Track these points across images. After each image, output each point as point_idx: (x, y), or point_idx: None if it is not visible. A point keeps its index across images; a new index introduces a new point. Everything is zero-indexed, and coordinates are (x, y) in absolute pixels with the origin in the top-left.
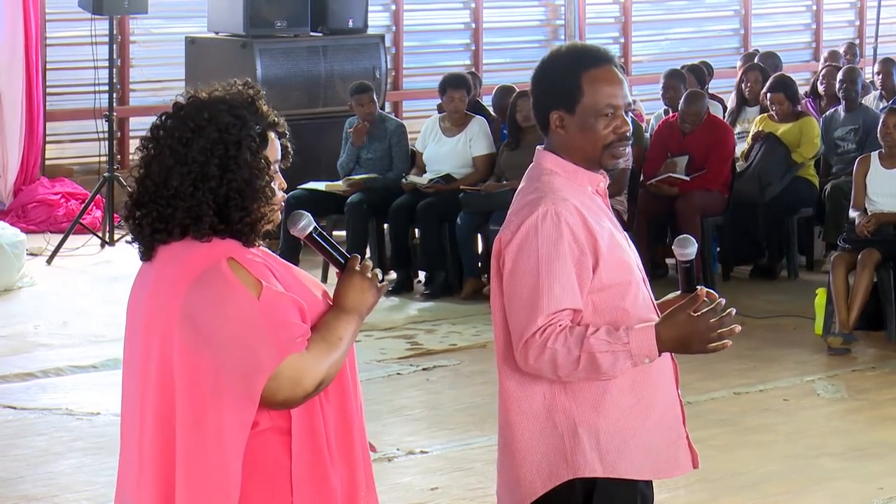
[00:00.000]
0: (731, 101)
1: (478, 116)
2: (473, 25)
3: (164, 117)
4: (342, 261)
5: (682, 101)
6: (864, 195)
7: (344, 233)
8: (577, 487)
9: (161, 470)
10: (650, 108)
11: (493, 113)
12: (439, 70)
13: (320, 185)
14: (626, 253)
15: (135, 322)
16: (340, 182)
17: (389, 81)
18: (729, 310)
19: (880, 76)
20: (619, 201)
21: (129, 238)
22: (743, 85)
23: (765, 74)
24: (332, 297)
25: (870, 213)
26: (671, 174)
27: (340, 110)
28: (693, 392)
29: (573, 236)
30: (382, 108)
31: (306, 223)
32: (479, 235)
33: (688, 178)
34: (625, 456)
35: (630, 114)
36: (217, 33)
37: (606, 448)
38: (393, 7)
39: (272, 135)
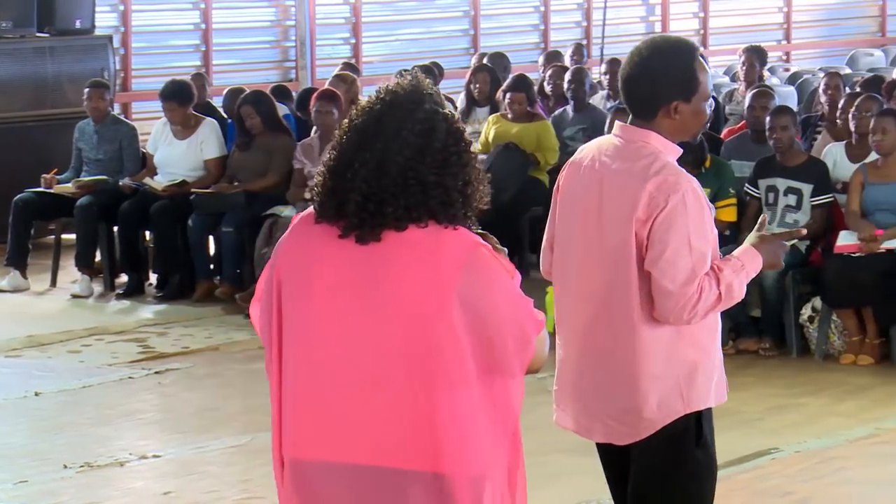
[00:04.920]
0: (460, 102)
1: (208, 118)
2: (203, 26)
3: (369, 114)
4: None
5: None
6: None
7: (73, 236)
8: (690, 418)
9: (429, 431)
10: None
11: (223, 114)
12: (169, 71)
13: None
14: None
15: (365, 298)
16: (69, 184)
17: (118, 83)
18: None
19: (607, 76)
20: None
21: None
22: (472, 86)
23: (493, 75)
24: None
25: None
26: None
27: (69, 112)
28: None
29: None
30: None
31: None
32: (210, 237)
33: None
34: (719, 386)
35: None
36: None
37: (710, 382)
38: (121, 7)
39: None
